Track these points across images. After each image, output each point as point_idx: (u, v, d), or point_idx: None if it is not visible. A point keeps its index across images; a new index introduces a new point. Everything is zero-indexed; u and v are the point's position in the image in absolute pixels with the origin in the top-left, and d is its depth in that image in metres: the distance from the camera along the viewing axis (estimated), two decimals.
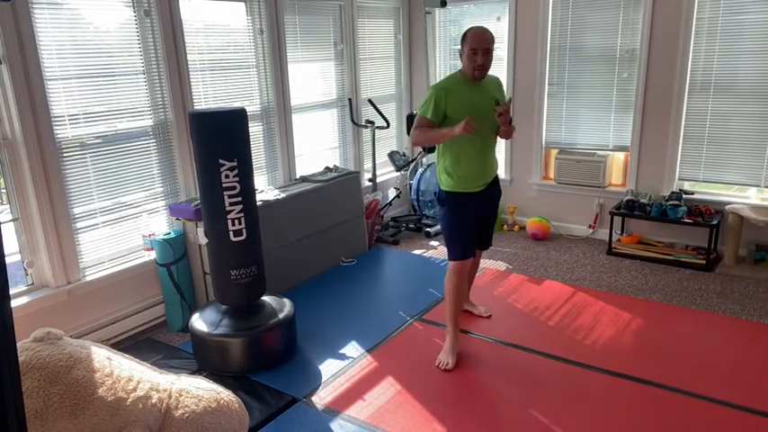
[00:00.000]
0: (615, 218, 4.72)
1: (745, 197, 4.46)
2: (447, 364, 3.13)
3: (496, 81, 3.20)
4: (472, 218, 3.17)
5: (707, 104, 4.42)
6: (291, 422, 2.72)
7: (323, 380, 3.06)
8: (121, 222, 3.59)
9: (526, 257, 4.71)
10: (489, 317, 3.67)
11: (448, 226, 3.17)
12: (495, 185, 3.27)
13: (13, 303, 2.97)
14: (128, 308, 3.60)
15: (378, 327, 3.60)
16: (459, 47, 3.03)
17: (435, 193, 5.06)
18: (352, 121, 5.19)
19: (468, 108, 2.91)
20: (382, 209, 5.25)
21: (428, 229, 5.27)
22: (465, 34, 2.98)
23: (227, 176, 2.97)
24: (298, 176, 4.67)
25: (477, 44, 2.90)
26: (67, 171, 3.27)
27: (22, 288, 3.20)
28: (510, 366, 3.14)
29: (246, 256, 3.14)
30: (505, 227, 5.41)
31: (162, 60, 3.61)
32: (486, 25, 3.06)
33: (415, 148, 5.74)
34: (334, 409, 2.81)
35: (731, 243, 4.29)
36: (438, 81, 3.17)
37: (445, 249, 3.24)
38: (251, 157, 3.09)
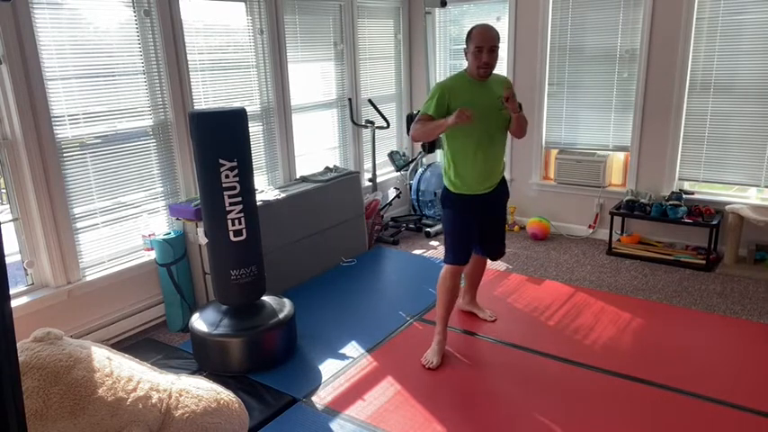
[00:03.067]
0: (615, 218, 4.72)
1: (745, 197, 4.46)
2: (431, 362, 3.13)
3: (503, 80, 3.13)
4: (473, 221, 3.12)
5: (707, 104, 4.42)
6: (291, 422, 2.72)
7: (323, 380, 3.06)
8: (121, 222, 3.59)
9: (526, 257, 4.71)
10: (494, 321, 3.62)
11: (447, 228, 3.16)
12: (501, 188, 3.21)
13: (13, 303, 2.97)
14: (128, 308, 3.60)
15: (378, 327, 3.60)
16: (465, 45, 2.98)
17: (435, 193, 5.07)
18: (352, 121, 5.19)
19: (472, 107, 2.83)
20: (382, 209, 5.25)
21: (428, 229, 5.27)
22: (470, 32, 2.93)
23: (227, 176, 2.97)
24: (298, 176, 4.67)
25: (483, 42, 2.86)
26: (67, 171, 3.27)
27: (22, 288, 3.20)
28: (510, 366, 3.14)
29: (246, 256, 3.14)
30: (506, 227, 5.40)
31: (162, 60, 3.62)
32: None
33: (416, 149, 5.75)
34: (334, 409, 2.81)
35: (731, 243, 4.29)
36: (443, 79, 3.14)
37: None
38: (251, 157, 3.09)
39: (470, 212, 3.11)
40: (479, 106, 2.89)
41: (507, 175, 5.41)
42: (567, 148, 5.12)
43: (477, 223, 3.16)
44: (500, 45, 2.96)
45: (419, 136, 3.02)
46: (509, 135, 3.14)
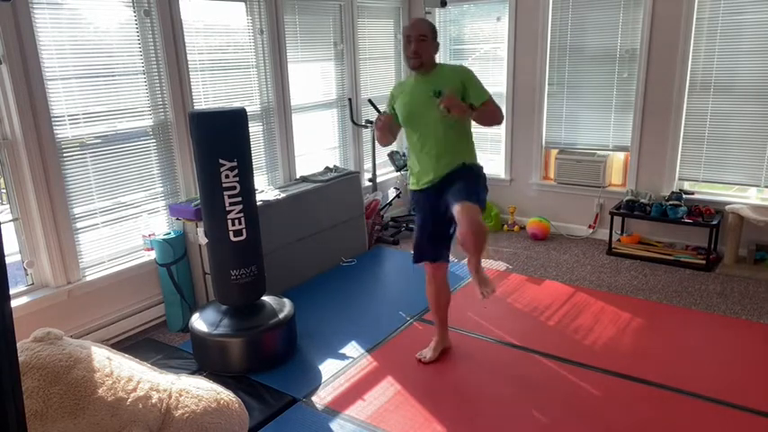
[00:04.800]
0: (615, 218, 4.72)
1: (745, 197, 4.46)
2: (424, 357, 3.19)
3: (456, 70, 2.94)
4: (428, 218, 2.99)
5: (707, 104, 4.42)
6: (291, 422, 2.72)
7: (323, 380, 3.06)
8: (121, 222, 3.59)
9: (526, 257, 4.71)
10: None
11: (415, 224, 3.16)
12: (454, 173, 2.90)
13: (13, 303, 2.97)
14: (128, 308, 3.60)
15: (378, 327, 3.60)
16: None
17: None
18: (352, 121, 5.19)
19: (408, 103, 2.87)
20: (382, 209, 5.25)
21: None
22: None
23: (227, 176, 2.97)
24: (298, 176, 4.67)
25: (410, 31, 2.83)
26: (67, 171, 3.27)
27: (22, 288, 3.20)
28: (510, 366, 3.14)
29: (246, 256, 3.14)
30: (505, 227, 5.41)
31: (162, 60, 3.61)
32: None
33: None
34: (334, 409, 2.81)
35: (731, 243, 4.29)
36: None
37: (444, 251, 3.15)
38: (251, 157, 3.09)
39: (423, 208, 3.00)
40: (412, 102, 2.87)
41: (507, 176, 5.42)
42: (567, 148, 5.12)
43: (431, 216, 2.98)
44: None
45: (378, 139, 3.11)
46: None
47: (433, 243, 3.03)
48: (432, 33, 2.87)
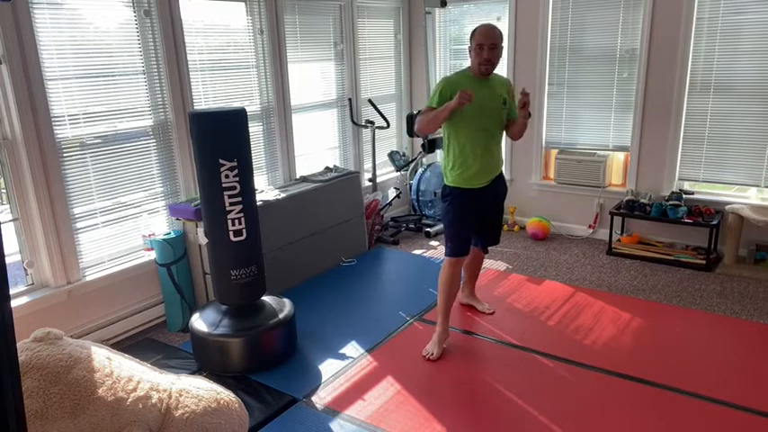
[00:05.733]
0: (615, 218, 4.72)
1: (745, 197, 4.46)
2: (432, 354, 3.20)
3: (506, 82, 3.25)
4: (472, 215, 3.21)
5: (707, 104, 4.42)
6: (291, 422, 2.72)
7: (323, 380, 3.06)
8: (121, 222, 3.59)
9: (526, 257, 4.71)
10: (492, 313, 3.70)
11: (447, 221, 3.23)
12: (498, 182, 3.29)
13: (13, 303, 2.97)
14: (128, 308, 3.60)
15: (378, 327, 3.60)
16: (469, 44, 3.09)
17: (435, 193, 5.07)
18: (352, 121, 5.19)
19: (474, 102, 2.91)
20: (382, 209, 5.25)
21: (428, 229, 5.27)
22: (474, 31, 3.06)
23: (227, 176, 2.97)
24: (298, 176, 4.67)
25: (484, 39, 2.98)
26: (67, 171, 3.27)
27: (22, 288, 3.20)
28: (510, 366, 3.14)
29: (246, 256, 3.14)
30: (505, 227, 5.41)
31: (162, 60, 3.61)
32: None
33: (416, 149, 5.75)
34: (334, 409, 2.81)
35: (731, 243, 4.30)
36: (449, 75, 3.25)
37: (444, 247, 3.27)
38: (251, 157, 3.09)
39: (468, 206, 3.18)
40: (480, 101, 2.99)
41: (507, 176, 5.41)
42: (567, 148, 5.12)
43: (475, 216, 3.23)
44: (503, 45, 3.07)
45: (424, 125, 3.09)
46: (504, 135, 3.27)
47: (470, 237, 3.27)
48: (501, 41, 3.04)
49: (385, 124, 5.22)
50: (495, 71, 3.12)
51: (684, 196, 4.50)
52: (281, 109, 4.49)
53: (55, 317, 3.23)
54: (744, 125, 4.30)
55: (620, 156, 4.94)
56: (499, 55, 3.05)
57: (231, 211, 3.03)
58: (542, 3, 4.88)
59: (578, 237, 5.15)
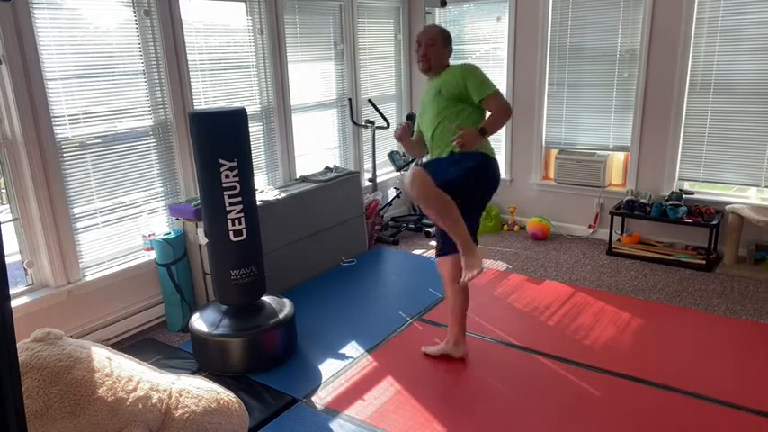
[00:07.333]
0: (615, 218, 4.72)
1: (745, 197, 4.46)
2: (429, 350, 3.24)
3: (459, 67, 2.99)
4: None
5: (707, 104, 4.42)
6: (291, 422, 2.72)
7: (323, 380, 3.06)
8: (121, 222, 3.59)
9: (526, 257, 4.71)
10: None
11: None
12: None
13: (13, 303, 2.97)
14: (128, 308, 3.60)
15: (378, 327, 3.60)
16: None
17: None
18: (352, 121, 5.19)
19: (421, 104, 3.11)
20: (382, 209, 5.25)
21: (428, 229, 5.27)
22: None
23: (227, 176, 2.97)
24: (298, 176, 4.67)
25: (420, 37, 3.07)
26: (67, 171, 3.27)
27: (22, 288, 3.20)
28: (510, 366, 3.14)
29: (246, 256, 3.14)
30: (505, 227, 5.41)
31: (162, 60, 3.61)
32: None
33: None
34: (334, 409, 2.81)
35: (731, 243, 4.30)
36: None
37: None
38: (251, 157, 3.09)
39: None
40: (423, 102, 3.14)
41: (507, 176, 5.42)
42: (567, 148, 5.12)
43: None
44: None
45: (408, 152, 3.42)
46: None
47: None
48: (441, 39, 3.05)
49: (385, 124, 5.22)
50: (457, 64, 3.00)
51: (684, 196, 4.50)
52: (281, 109, 4.49)
53: (55, 317, 3.23)
54: (744, 125, 4.30)
55: (620, 156, 4.94)
56: (438, 52, 3.01)
57: (231, 211, 3.03)
58: (542, 3, 4.88)
59: (578, 237, 5.15)
